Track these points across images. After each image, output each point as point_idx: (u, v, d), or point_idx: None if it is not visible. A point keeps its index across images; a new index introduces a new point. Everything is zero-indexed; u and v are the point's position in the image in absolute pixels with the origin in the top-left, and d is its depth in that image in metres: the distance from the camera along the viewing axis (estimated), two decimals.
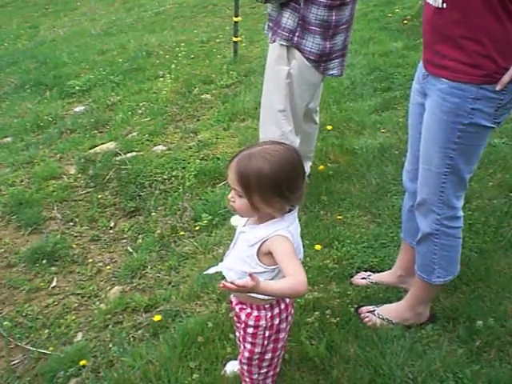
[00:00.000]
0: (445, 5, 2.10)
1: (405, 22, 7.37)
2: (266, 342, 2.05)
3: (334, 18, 3.10)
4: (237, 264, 1.96)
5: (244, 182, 1.80)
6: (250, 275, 1.67)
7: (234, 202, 1.87)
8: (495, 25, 2.05)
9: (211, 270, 2.09)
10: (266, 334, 2.03)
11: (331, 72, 3.29)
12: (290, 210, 1.90)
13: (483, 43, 2.07)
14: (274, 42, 3.24)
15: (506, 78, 2.09)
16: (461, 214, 2.43)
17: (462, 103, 2.15)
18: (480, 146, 2.29)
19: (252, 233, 1.90)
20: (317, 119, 3.75)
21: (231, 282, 1.65)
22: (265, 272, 1.89)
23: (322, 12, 3.07)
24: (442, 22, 2.14)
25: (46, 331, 2.94)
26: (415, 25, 7.21)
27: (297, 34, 3.14)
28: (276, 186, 1.78)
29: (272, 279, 1.89)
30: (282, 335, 2.08)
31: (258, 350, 2.06)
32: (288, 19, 3.14)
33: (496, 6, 2.01)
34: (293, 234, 1.87)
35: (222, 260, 2.09)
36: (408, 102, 4.95)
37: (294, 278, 1.74)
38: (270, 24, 3.27)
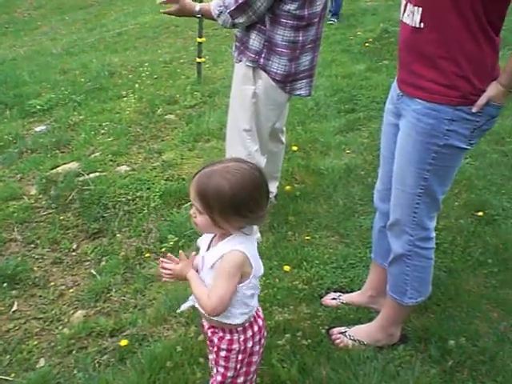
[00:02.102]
0: (422, 24, 2.11)
1: (366, 44, 7.47)
2: (238, 366, 2.00)
3: (300, 38, 3.10)
4: None
5: (203, 199, 1.79)
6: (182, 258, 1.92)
7: (195, 217, 1.85)
8: (473, 46, 2.05)
9: (184, 307, 2.09)
10: (239, 358, 1.99)
11: (298, 92, 3.28)
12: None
13: (460, 64, 2.08)
14: (241, 61, 3.22)
15: (482, 100, 2.10)
16: (433, 234, 2.43)
17: (438, 124, 2.15)
18: (454, 168, 2.29)
19: (211, 253, 1.88)
20: (283, 139, 3.74)
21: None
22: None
23: (289, 33, 3.06)
24: (419, 42, 2.14)
25: (7, 357, 2.83)
26: (377, 47, 7.34)
27: (263, 55, 3.13)
28: (235, 205, 1.76)
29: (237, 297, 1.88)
30: (255, 358, 2.03)
31: (230, 373, 2.01)
32: (254, 40, 3.13)
33: (474, 27, 2.03)
34: (250, 249, 1.85)
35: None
36: (372, 123, 5.07)
37: (209, 297, 1.83)
38: (237, 43, 3.26)
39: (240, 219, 1.79)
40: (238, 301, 1.89)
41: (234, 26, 3.11)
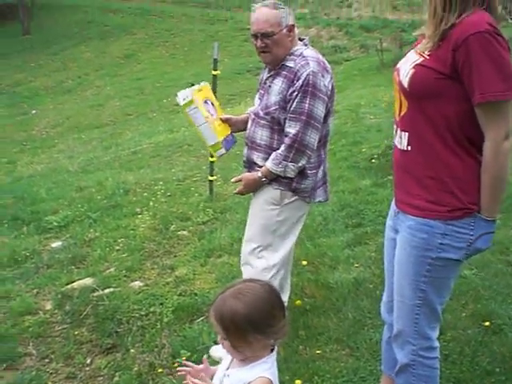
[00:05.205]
0: (410, 147, 2.30)
1: (372, 160, 7.68)
2: None
3: (322, 155, 3.39)
4: None
5: (222, 324, 1.87)
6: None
7: (222, 344, 1.93)
8: (456, 163, 2.23)
9: None
10: None
11: (318, 199, 3.47)
12: (272, 350, 1.96)
13: (445, 182, 2.24)
14: (269, 184, 3.32)
15: None
16: (436, 344, 2.49)
17: (431, 238, 2.28)
18: (450, 279, 2.40)
19: (236, 376, 1.93)
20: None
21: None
22: None
23: (315, 156, 3.31)
24: (408, 163, 2.33)
25: None
26: (382, 163, 7.52)
27: (295, 179, 3.28)
28: (252, 323, 1.85)
29: None
30: None
31: None
32: None
33: (454, 146, 2.21)
34: (275, 374, 1.93)
35: None
36: (379, 237, 5.18)
37: None
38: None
39: (260, 337, 1.87)
40: None
41: (299, 169, 3.24)
